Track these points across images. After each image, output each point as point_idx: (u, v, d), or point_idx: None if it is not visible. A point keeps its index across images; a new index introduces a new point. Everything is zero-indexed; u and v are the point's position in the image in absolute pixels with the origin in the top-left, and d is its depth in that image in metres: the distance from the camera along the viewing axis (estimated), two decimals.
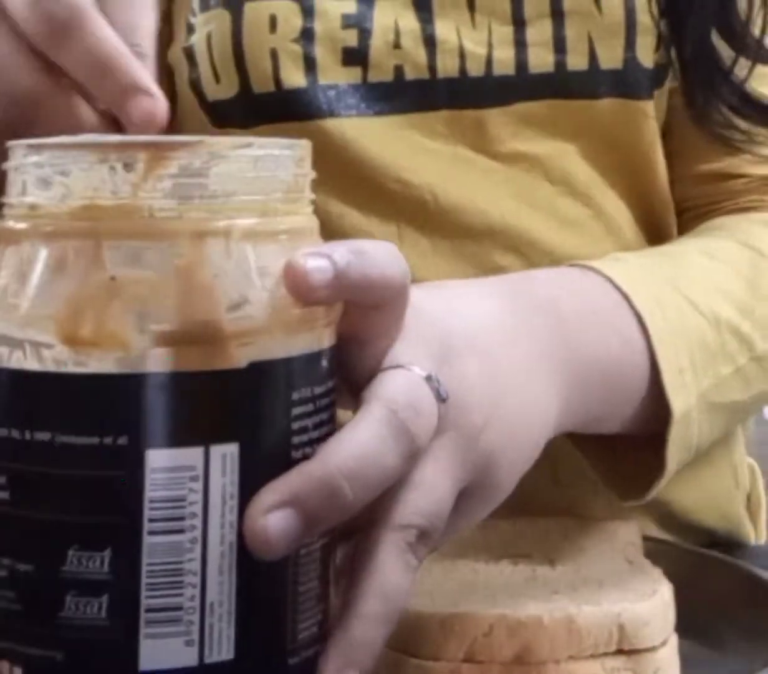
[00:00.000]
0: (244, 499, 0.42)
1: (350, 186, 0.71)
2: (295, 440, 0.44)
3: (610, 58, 0.71)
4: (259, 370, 0.43)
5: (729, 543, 0.81)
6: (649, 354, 0.61)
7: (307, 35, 0.69)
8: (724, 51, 0.73)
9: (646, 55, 0.72)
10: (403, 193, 0.70)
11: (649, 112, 0.74)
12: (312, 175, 0.46)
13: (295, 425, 0.44)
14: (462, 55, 0.70)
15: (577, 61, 0.70)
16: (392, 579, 0.46)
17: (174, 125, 0.63)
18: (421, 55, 0.70)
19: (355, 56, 0.69)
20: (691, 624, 0.58)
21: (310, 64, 0.69)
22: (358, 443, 0.44)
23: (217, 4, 0.71)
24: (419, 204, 0.71)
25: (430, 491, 0.48)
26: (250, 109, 0.69)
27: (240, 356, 0.42)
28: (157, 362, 0.41)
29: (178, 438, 0.41)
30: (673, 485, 0.73)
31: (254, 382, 0.43)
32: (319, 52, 0.69)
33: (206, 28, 0.71)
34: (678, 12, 0.72)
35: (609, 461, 0.66)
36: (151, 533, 0.41)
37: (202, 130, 0.70)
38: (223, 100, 0.70)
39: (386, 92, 0.70)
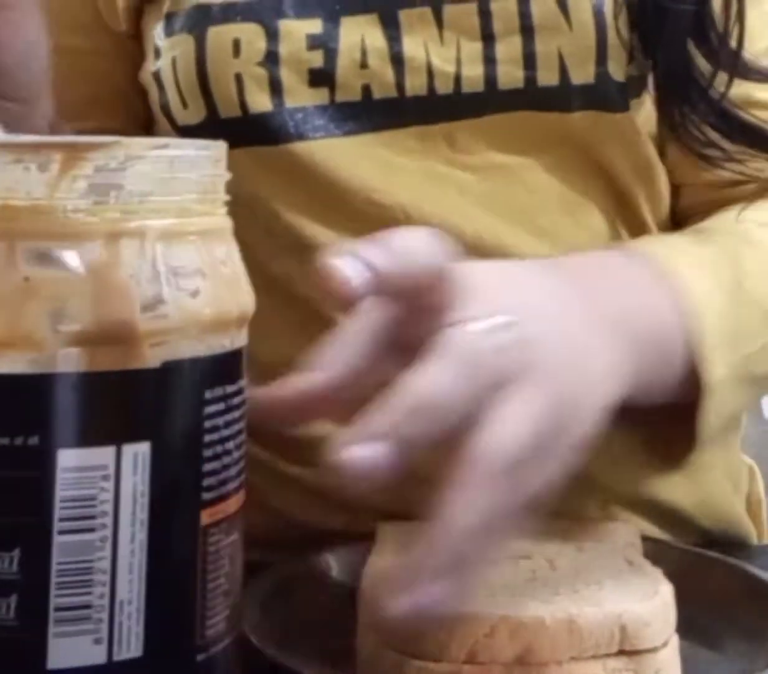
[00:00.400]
0: (154, 497, 0.43)
1: (322, 208, 0.71)
2: (207, 438, 0.44)
3: (581, 73, 0.70)
4: (172, 370, 0.43)
5: (729, 544, 0.81)
6: (686, 324, 0.61)
7: (271, 58, 0.68)
8: (701, 65, 0.71)
9: (618, 69, 0.71)
10: (376, 213, 0.70)
11: (627, 124, 0.73)
12: (227, 176, 0.46)
13: (207, 424, 0.44)
14: (430, 72, 0.69)
15: (547, 77, 0.69)
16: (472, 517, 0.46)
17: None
18: (388, 74, 0.69)
19: (322, 77, 0.69)
20: (691, 624, 0.59)
21: (275, 87, 0.68)
22: (432, 378, 0.45)
23: (181, 29, 0.70)
24: (392, 223, 0.68)
25: (511, 433, 0.47)
26: (218, 134, 0.66)
27: (153, 356, 0.42)
28: (70, 362, 0.41)
29: (90, 438, 0.41)
30: (669, 486, 0.74)
31: (167, 381, 0.43)
32: (285, 74, 0.68)
33: (171, 53, 0.70)
34: (650, 26, 0.70)
35: (644, 433, 0.65)
36: (62, 532, 0.41)
37: None
38: (191, 125, 0.70)
39: (354, 112, 0.70)
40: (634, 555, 0.62)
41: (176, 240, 0.43)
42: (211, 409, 0.44)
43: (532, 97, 0.70)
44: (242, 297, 0.46)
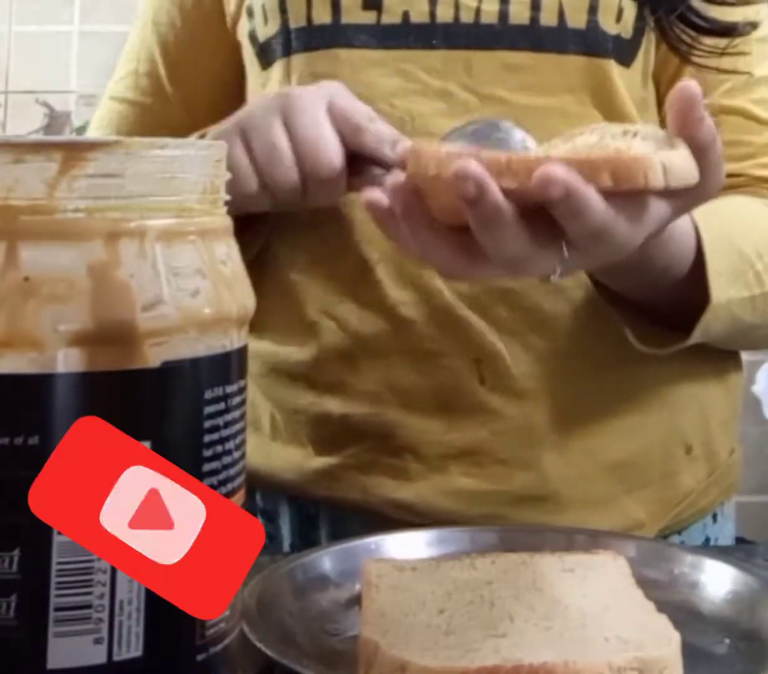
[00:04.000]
0: None
1: None
2: (207, 438, 0.44)
3: (576, 19, 0.85)
4: (172, 369, 0.43)
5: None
6: (697, 253, 0.76)
7: None
8: None
9: (608, 22, 0.86)
10: (388, 114, 0.82)
11: (618, 74, 0.86)
12: (227, 176, 0.46)
13: (207, 424, 0.44)
14: (457, 5, 0.85)
15: (548, 18, 0.85)
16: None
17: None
18: (423, 3, 0.85)
19: (373, 2, 0.86)
20: (692, 624, 0.60)
21: (336, 7, 0.86)
22: None
23: None
24: (397, 121, 0.83)
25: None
26: (286, 40, 0.87)
27: (153, 356, 0.42)
28: (70, 362, 0.41)
29: None
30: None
31: (167, 381, 0.43)
32: None
33: None
34: None
35: (638, 322, 0.80)
36: (62, 532, 0.41)
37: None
38: (268, 37, 0.88)
39: (394, 32, 0.86)
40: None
41: (176, 240, 0.43)
42: (211, 409, 0.44)
43: (534, 34, 0.85)
44: (242, 297, 0.46)
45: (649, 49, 0.89)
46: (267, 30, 0.89)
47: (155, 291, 0.42)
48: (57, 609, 0.41)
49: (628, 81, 0.87)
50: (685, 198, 0.63)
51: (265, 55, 0.89)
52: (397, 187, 0.62)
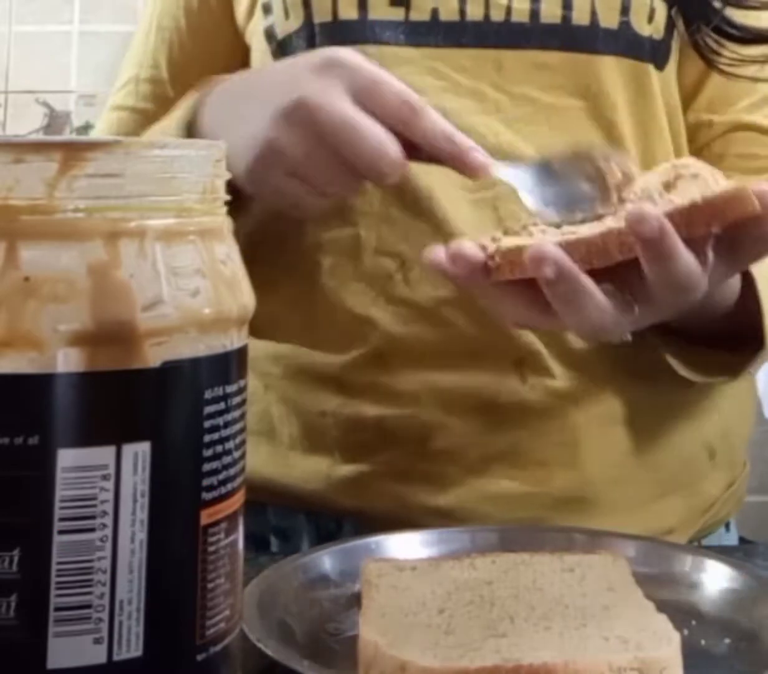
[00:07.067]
0: (154, 497, 0.43)
1: None
2: (207, 438, 0.44)
3: (608, 18, 0.84)
4: (172, 369, 0.43)
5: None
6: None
7: None
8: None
9: (640, 22, 0.85)
10: None
11: (656, 79, 0.86)
12: (227, 175, 0.46)
13: (207, 424, 0.44)
14: (487, 4, 0.84)
15: (580, 17, 0.84)
16: None
17: None
18: (454, 1, 0.84)
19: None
20: (692, 624, 0.60)
21: (363, 3, 0.85)
22: None
23: None
24: None
25: None
26: (310, 35, 0.85)
27: (153, 356, 0.42)
28: (70, 361, 0.41)
29: (90, 438, 0.41)
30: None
31: (167, 381, 0.43)
32: None
33: None
34: None
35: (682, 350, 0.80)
36: (62, 532, 0.41)
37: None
38: (289, 33, 0.86)
39: (422, 29, 0.84)
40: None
41: (176, 240, 0.43)
42: (210, 409, 0.44)
43: (566, 33, 0.84)
44: (242, 297, 0.46)
45: (676, 52, 0.89)
46: (288, 25, 0.86)
47: (155, 291, 0.42)
48: (57, 609, 0.41)
49: (662, 85, 0.87)
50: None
51: (284, 51, 0.87)
52: (462, 258, 0.63)
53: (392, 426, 0.82)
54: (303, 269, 0.86)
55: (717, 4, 0.88)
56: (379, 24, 0.84)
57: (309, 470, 0.84)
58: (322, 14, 0.85)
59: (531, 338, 0.82)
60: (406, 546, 0.70)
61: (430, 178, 0.82)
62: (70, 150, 0.41)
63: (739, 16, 0.88)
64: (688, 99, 0.92)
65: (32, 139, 0.42)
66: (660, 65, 0.87)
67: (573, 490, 0.83)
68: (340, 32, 0.85)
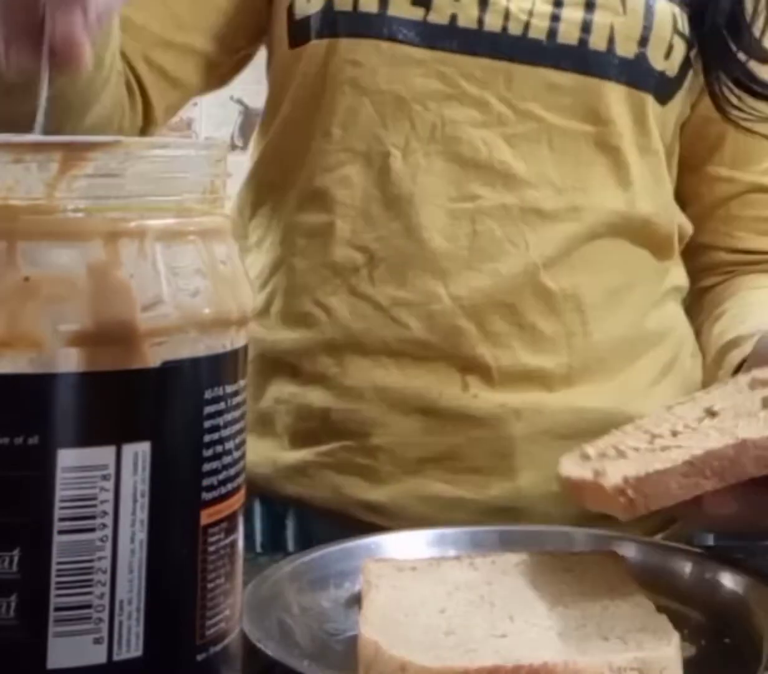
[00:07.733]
0: (154, 497, 0.43)
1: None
2: (207, 438, 0.44)
3: (625, 48, 0.85)
4: (172, 369, 0.43)
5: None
6: None
7: None
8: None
9: (657, 57, 0.86)
10: (420, 113, 0.84)
11: (652, 110, 0.86)
12: (228, 175, 0.46)
13: (207, 424, 0.44)
14: (507, 16, 0.85)
15: (597, 42, 0.85)
16: None
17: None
18: (474, 9, 0.85)
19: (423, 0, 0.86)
20: (692, 624, 0.60)
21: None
22: None
23: None
24: (429, 125, 0.85)
25: None
26: (327, 22, 0.86)
27: (153, 356, 0.42)
28: (70, 362, 0.41)
29: (90, 438, 0.41)
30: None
31: (167, 381, 0.43)
32: None
33: None
34: (695, 20, 0.89)
35: None
36: (62, 532, 0.41)
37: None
38: (308, 15, 0.87)
39: (439, 33, 0.85)
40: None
41: (176, 240, 0.43)
42: (211, 409, 0.44)
43: (580, 56, 0.85)
44: (242, 297, 0.46)
45: (686, 93, 0.89)
46: (308, 7, 0.87)
47: (155, 291, 0.42)
48: (57, 609, 0.41)
49: (660, 121, 0.88)
50: None
51: (296, 33, 0.88)
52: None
53: (336, 418, 0.84)
54: (280, 244, 0.88)
55: (741, 57, 0.88)
56: (396, 21, 0.85)
57: (261, 455, 0.86)
58: (343, 3, 0.86)
59: (481, 350, 0.83)
60: (406, 546, 0.70)
61: (415, 182, 0.84)
62: (70, 150, 0.41)
63: (762, 71, 0.89)
64: (711, 151, 0.94)
65: (32, 140, 0.42)
66: (662, 99, 0.87)
67: (507, 500, 0.84)
68: (358, 24, 0.85)
